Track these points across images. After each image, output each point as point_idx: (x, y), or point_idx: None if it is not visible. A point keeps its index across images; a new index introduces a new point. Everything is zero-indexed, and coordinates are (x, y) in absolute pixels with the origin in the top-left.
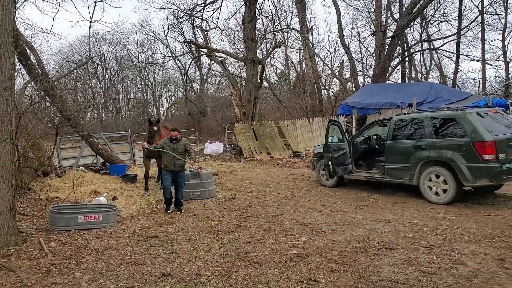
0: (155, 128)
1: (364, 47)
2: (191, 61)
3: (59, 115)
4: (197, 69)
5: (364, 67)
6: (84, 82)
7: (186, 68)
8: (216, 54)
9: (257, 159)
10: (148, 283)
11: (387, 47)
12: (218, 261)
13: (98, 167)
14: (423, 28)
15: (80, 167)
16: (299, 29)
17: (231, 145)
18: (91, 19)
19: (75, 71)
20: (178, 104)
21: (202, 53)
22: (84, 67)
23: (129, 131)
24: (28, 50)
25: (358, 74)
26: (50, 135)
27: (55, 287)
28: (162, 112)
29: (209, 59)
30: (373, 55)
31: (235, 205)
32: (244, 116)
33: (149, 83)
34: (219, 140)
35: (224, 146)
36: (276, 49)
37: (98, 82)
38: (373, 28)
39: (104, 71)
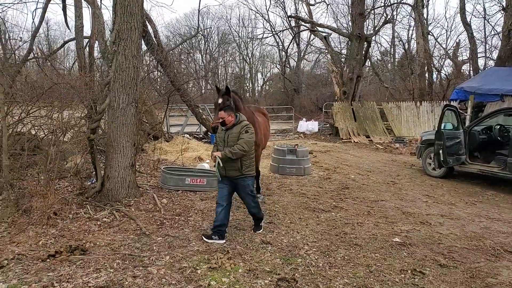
0: (220, 101)
1: (490, 25)
2: (293, 37)
3: (171, 85)
4: (295, 45)
5: (487, 48)
6: (188, 55)
7: (285, 44)
8: (319, 29)
9: (354, 141)
10: (249, 248)
11: None
12: (315, 237)
13: (200, 136)
14: None
15: (185, 134)
16: (413, 3)
17: (326, 124)
18: None
19: (181, 44)
20: (273, 80)
21: (304, 28)
22: (189, 41)
23: None
24: (147, 22)
25: (479, 56)
26: (161, 102)
27: (167, 238)
28: (257, 88)
29: (310, 35)
30: (500, 34)
31: (331, 186)
32: (344, 95)
33: (247, 58)
34: (315, 118)
35: (319, 125)
36: (384, 26)
37: (200, 56)
38: (504, 3)
39: (206, 45)
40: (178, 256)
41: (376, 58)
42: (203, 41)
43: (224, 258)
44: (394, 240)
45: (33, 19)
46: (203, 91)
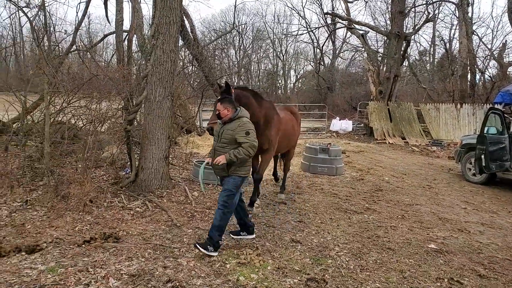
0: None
1: None
2: (329, 34)
3: (205, 80)
4: (330, 42)
5: None
6: (222, 50)
7: (320, 41)
8: (357, 27)
9: (389, 142)
10: (279, 246)
11: None
12: (347, 239)
13: None
14: None
15: None
16: (457, 1)
17: (360, 124)
18: None
19: (216, 39)
20: (306, 78)
21: (341, 26)
22: (223, 37)
23: None
24: (184, 17)
25: None
26: (195, 97)
27: (197, 231)
28: (289, 85)
29: (346, 33)
30: None
31: (364, 187)
32: (380, 94)
33: (281, 55)
34: (349, 118)
35: (353, 124)
36: (425, 24)
37: (233, 51)
38: None
39: (240, 41)
40: None
41: (414, 57)
42: (237, 37)
43: (253, 254)
44: (429, 246)
45: (77, 13)
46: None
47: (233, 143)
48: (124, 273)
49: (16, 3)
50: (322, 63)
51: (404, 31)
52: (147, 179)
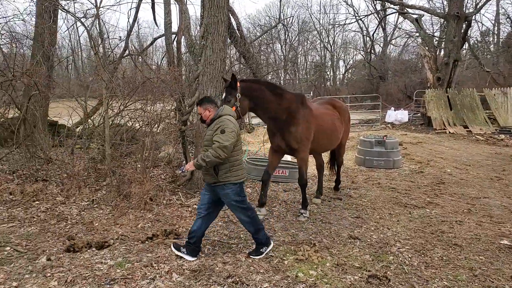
0: (223, 96)
1: None
2: (380, 21)
3: (253, 77)
4: (380, 29)
5: None
6: (268, 46)
7: (369, 29)
8: (410, 11)
9: (449, 132)
10: (336, 242)
11: None
12: (408, 235)
13: None
14: None
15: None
16: None
17: (417, 114)
18: None
19: (262, 35)
20: (356, 67)
21: (393, 11)
22: (269, 32)
23: (311, 95)
24: (230, 15)
25: None
26: None
27: None
28: (338, 76)
29: (397, 18)
30: None
31: (424, 180)
32: (438, 81)
33: (329, 45)
34: (404, 107)
35: (409, 114)
36: (488, 2)
37: (279, 45)
38: None
39: (286, 34)
40: None
41: (475, 39)
42: (283, 31)
43: (311, 250)
44: (502, 242)
45: (128, 19)
46: (281, 81)
47: (211, 144)
48: (186, 269)
49: (74, 14)
50: (373, 51)
51: (464, 11)
52: (202, 177)
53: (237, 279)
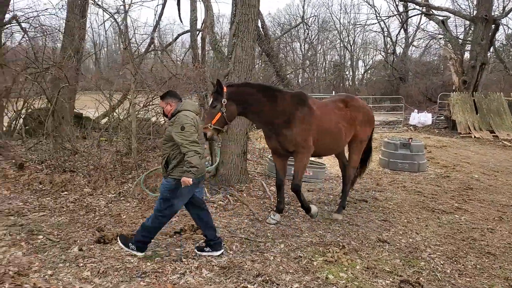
0: (210, 101)
1: None
2: (403, 23)
3: (276, 75)
4: (402, 30)
5: None
6: (287, 44)
7: (390, 30)
8: (435, 12)
9: (475, 137)
10: (365, 245)
11: None
12: (438, 241)
13: None
14: None
15: None
16: None
17: (440, 116)
18: None
19: (286, 33)
20: (376, 68)
21: (417, 12)
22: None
23: (333, 94)
24: None
25: None
26: None
27: (279, 226)
28: (357, 76)
29: (420, 20)
30: None
31: (450, 185)
32: (464, 84)
33: (348, 45)
34: (428, 110)
35: (432, 117)
36: None
37: (298, 44)
38: None
39: (306, 34)
40: (293, 246)
41: (500, 42)
42: (302, 30)
43: (340, 252)
44: None
45: (155, 15)
46: (299, 80)
47: (171, 139)
48: (215, 265)
49: (106, 9)
50: (393, 52)
51: (492, 14)
52: (227, 174)
53: (267, 278)
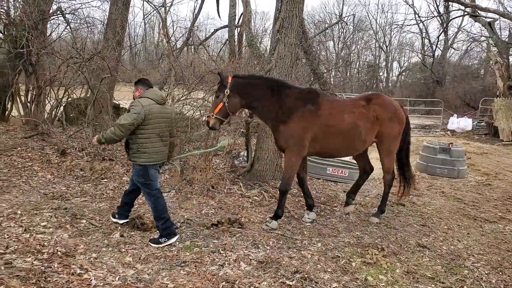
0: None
1: None
2: (446, 25)
3: (312, 73)
4: (442, 32)
5: None
6: (320, 43)
7: (428, 31)
8: (482, 14)
9: None
10: (404, 249)
11: None
12: (482, 250)
13: None
14: None
15: None
16: None
17: (481, 122)
18: None
19: (324, 30)
20: (411, 70)
21: (458, 14)
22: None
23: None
24: None
25: None
26: None
27: (316, 225)
28: (391, 77)
29: (461, 21)
30: None
31: (492, 193)
32: (509, 90)
33: (384, 46)
34: (468, 115)
35: (473, 123)
36: None
37: (332, 43)
38: None
39: (341, 32)
40: (330, 245)
41: None
42: (337, 28)
43: (379, 255)
44: None
45: (194, 10)
46: (332, 79)
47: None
48: (253, 259)
49: (151, 2)
50: (433, 55)
51: None
52: (262, 170)
53: (305, 275)
